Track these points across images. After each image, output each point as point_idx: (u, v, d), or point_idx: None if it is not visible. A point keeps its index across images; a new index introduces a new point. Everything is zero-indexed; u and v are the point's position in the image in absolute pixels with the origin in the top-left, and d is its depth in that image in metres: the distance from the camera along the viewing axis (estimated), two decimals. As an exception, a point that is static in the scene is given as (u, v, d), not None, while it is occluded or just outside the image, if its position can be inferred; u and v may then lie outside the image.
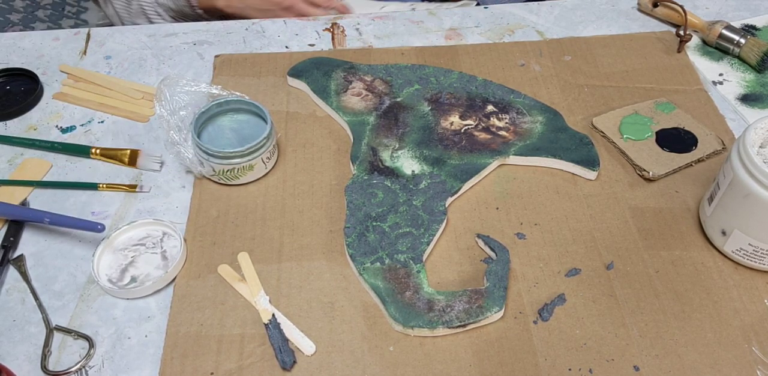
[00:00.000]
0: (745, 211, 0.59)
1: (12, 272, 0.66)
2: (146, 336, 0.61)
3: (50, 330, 0.61)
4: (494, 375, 0.58)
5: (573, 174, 0.72)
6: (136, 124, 0.79)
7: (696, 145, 0.73)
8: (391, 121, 0.76)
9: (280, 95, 0.81)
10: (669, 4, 0.88)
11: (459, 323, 0.59)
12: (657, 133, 0.75)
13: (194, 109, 0.72)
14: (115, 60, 0.87)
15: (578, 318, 0.61)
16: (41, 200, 0.72)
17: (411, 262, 0.64)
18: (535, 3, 0.94)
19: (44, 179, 0.74)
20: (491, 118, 0.76)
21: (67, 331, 0.61)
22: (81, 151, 0.76)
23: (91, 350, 0.60)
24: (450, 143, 0.74)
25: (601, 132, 0.76)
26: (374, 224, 0.66)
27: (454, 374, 0.58)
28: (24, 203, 0.71)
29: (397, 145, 0.74)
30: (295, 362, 0.59)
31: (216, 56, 0.86)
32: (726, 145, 0.74)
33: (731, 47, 0.84)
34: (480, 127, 0.75)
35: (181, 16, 1.01)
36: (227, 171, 0.70)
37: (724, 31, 0.84)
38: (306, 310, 0.62)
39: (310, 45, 0.88)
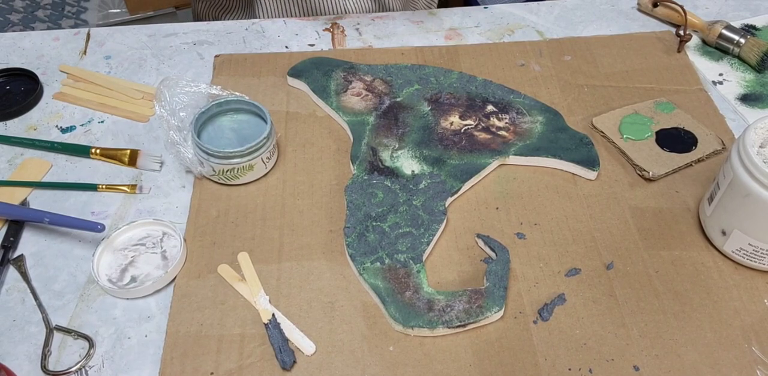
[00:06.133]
0: (745, 211, 0.59)
1: (12, 272, 0.66)
2: (146, 336, 0.61)
3: (50, 330, 0.61)
4: (494, 375, 0.58)
5: (573, 174, 0.72)
6: (136, 124, 0.79)
7: (696, 145, 0.73)
8: (391, 121, 0.76)
9: (280, 95, 0.81)
10: (669, 4, 0.88)
11: (459, 323, 0.59)
12: (657, 133, 0.75)
13: (194, 109, 0.72)
14: (115, 60, 0.87)
15: (578, 318, 0.61)
16: (41, 200, 0.72)
17: (411, 262, 0.64)
18: (535, 3, 0.94)
19: (44, 179, 0.74)
20: (491, 118, 0.76)
21: (67, 331, 0.61)
22: (81, 151, 0.76)
23: (91, 350, 0.60)
24: (450, 143, 0.74)
25: (601, 132, 0.76)
26: (374, 223, 0.66)
27: (454, 374, 0.58)
28: (24, 203, 0.71)
29: (397, 145, 0.74)
30: (295, 362, 0.59)
31: (216, 56, 0.86)
32: (726, 145, 0.74)
33: (731, 47, 0.84)
34: (480, 127, 0.75)
35: None
36: (227, 171, 0.69)
37: (724, 31, 0.84)
38: (306, 310, 0.62)
39: (310, 45, 0.88)
